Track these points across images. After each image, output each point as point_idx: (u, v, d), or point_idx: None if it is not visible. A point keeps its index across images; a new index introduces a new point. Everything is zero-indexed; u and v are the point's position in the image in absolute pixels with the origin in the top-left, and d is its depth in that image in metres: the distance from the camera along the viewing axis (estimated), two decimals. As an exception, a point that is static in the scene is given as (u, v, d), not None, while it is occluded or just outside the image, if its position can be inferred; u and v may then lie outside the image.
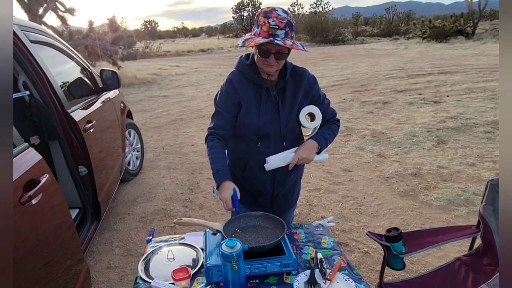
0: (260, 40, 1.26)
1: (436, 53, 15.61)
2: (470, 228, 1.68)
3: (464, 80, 8.49)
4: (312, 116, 1.50)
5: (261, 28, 1.28)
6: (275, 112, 1.45)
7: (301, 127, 1.57)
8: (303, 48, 1.32)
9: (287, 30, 1.28)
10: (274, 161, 1.44)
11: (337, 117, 1.61)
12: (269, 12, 1.28)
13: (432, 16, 28.46)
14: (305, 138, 1.58)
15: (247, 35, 1.36)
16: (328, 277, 1.21)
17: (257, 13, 1.34)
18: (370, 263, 2.33)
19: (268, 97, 1.45)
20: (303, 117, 1.48)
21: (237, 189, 1.35)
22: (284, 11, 1.30)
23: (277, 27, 1.26)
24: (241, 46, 1.32)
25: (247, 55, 1.49)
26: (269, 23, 1.26)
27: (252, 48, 1.41)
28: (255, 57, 1.41)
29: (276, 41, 1.24)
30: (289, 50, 1.35)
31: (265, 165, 1.45)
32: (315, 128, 1.54)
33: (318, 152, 1.50)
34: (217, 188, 1.38)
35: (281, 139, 1.48)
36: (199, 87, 10.06)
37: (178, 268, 1.20)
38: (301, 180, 1.73)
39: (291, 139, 1.52)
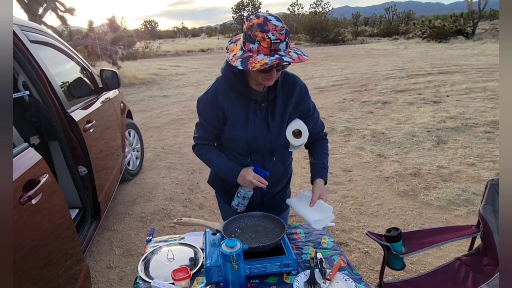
0: (266, 60, 1.12)
1: (436, 53, 15.61)
2: (470, 228, 1.68)
3: (464, 80, 8.49)
4: (299, 133, 1.45)
5: (259, 43, 1.13)
6: (264, 126, 1.38)
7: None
8: (306, 56, 1.19)
9: (287, 41, 1.14)
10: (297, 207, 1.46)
11: (325, 130, 1.58)
12: (264, 25, 1.12)
13: (432, 16, 28.50)
14: (291, 150, 1.55)
15: (238, 51, 1.20)
16: (328, 277, 1.21)
17: (247, 26, 1.16)
18: (370, 263, 2.33)
19: (256, 110, 1.36)
20: (289, 133, 1.42)
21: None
22: (278, 19, 1.15)
23: (278, 41, 1.12)
24: (242, 68, 1.15)
25: None
26: (269, 38, 1.11)
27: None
28: (251, 72, 1.27)
29: (285, 60, 1.13)
30: None
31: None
32: (300, 144, 1.49)
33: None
34: (236, 182, 1.40)
35: (270, 152, 1.44)
36: (199, 87, 10.05)
37: (178, 268, 1.20)
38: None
39: (280, 151, 1.48)
